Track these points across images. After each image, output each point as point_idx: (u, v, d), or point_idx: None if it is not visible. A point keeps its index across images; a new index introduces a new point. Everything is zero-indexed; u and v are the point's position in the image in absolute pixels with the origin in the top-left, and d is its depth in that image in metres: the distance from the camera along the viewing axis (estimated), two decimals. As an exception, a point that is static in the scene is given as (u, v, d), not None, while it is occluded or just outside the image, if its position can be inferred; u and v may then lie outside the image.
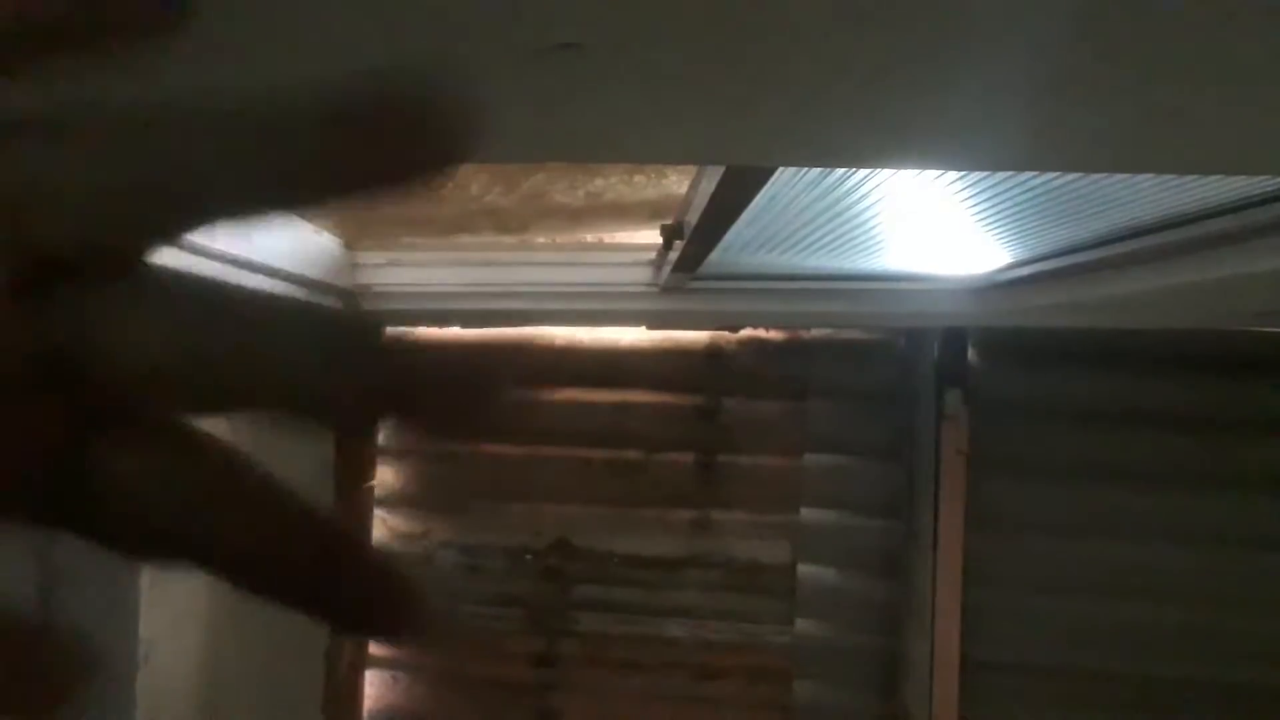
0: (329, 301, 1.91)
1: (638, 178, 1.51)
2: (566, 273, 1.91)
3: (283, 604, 0.20)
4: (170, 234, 0.18)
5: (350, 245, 1.96)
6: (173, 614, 1.81)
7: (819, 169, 1.05)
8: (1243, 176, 0.92)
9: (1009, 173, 1.01)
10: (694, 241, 1.34)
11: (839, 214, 1.27)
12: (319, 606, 0.20)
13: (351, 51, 0.48)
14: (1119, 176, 0.99)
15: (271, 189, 0.18)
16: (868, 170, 1.04)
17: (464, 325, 2.66)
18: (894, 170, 1.03)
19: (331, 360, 0.19)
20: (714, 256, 1.49)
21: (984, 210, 1.20)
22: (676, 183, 1.50)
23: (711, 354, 2.68)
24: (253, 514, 0.19)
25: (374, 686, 2.78)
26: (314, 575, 0.20)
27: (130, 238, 0.18)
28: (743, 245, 1.50)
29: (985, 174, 1.03)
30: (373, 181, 0.18)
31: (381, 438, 2.71)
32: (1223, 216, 1.06)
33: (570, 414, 2.68)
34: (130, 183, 0.18)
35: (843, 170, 1.05)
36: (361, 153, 0.18)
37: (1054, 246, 1.40)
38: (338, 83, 0.18)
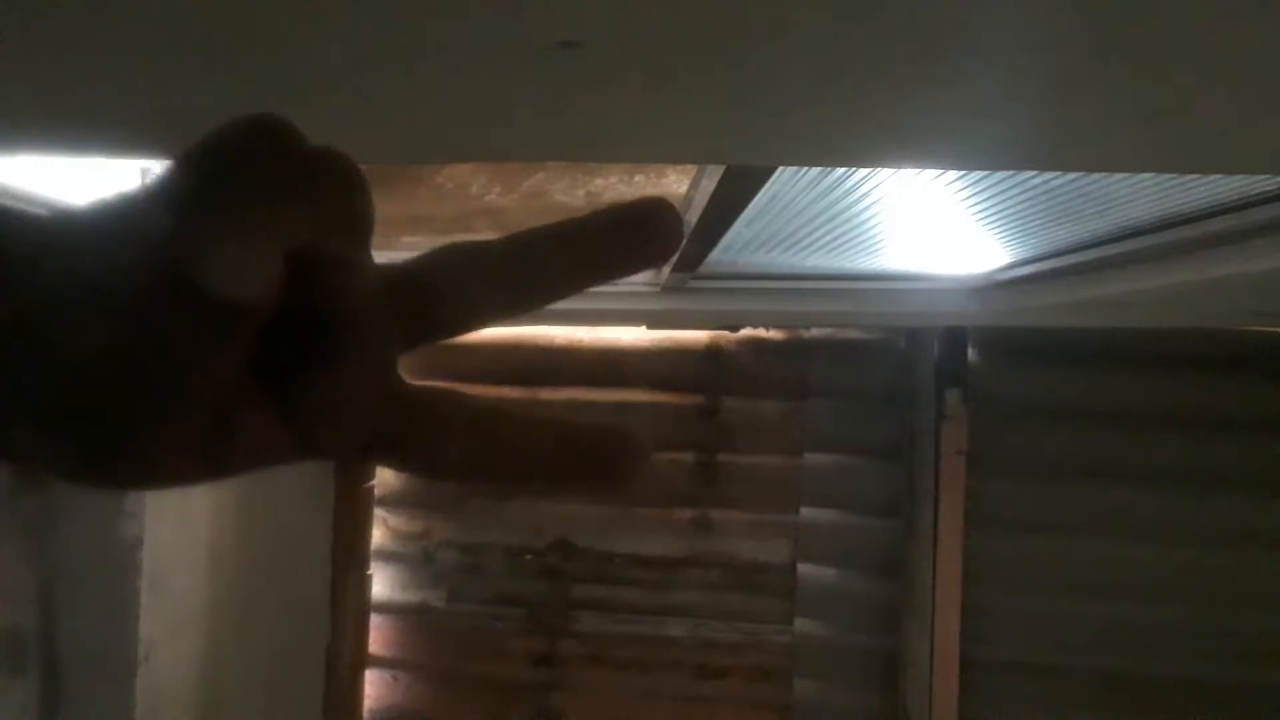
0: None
1: (638, 178, 1.51)
2: (566, 272, 1.90)
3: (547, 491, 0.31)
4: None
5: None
6: (173, 614, 1.81)
7: (819, 169, 1.05)
8: (1243, 176, 0.92)
9: (1009, 173, 1.01)
10: (694, 241, 1.34)
11: (839, 214, 1.27)
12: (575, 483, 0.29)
13: (352, 50, 0.48)
14: (1119, 176, 0.99)
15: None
16: (868, 170, 1.04)
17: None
18: (894, 170, 1.03)
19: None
20: (714, 256, 1.49)
21: (984, 210, 1.21)
22: (676, 183, 1.50)
23: (711, 354, 2.68)
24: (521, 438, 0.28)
25: (374, 686, 2.78)
26: (571, 465, 0.29)
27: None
28: (743, 245, 1.50)
29: (985, 174, 1.03)
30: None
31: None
32: (1223, 216, 1.06)
33: (570, 413, 2.67)
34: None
35: (843, 170, 1.05)
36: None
37: (1054, 246, 1.40)
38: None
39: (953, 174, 1.04)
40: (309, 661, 2.56)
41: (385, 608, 2.78)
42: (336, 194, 0.26)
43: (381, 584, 2.78)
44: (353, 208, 0.26)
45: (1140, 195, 1.07)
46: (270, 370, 0.26)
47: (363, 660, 2.74)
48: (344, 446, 0.27)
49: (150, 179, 0.25)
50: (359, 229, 0.27)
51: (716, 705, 2.68)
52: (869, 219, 1.29)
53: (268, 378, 0.26)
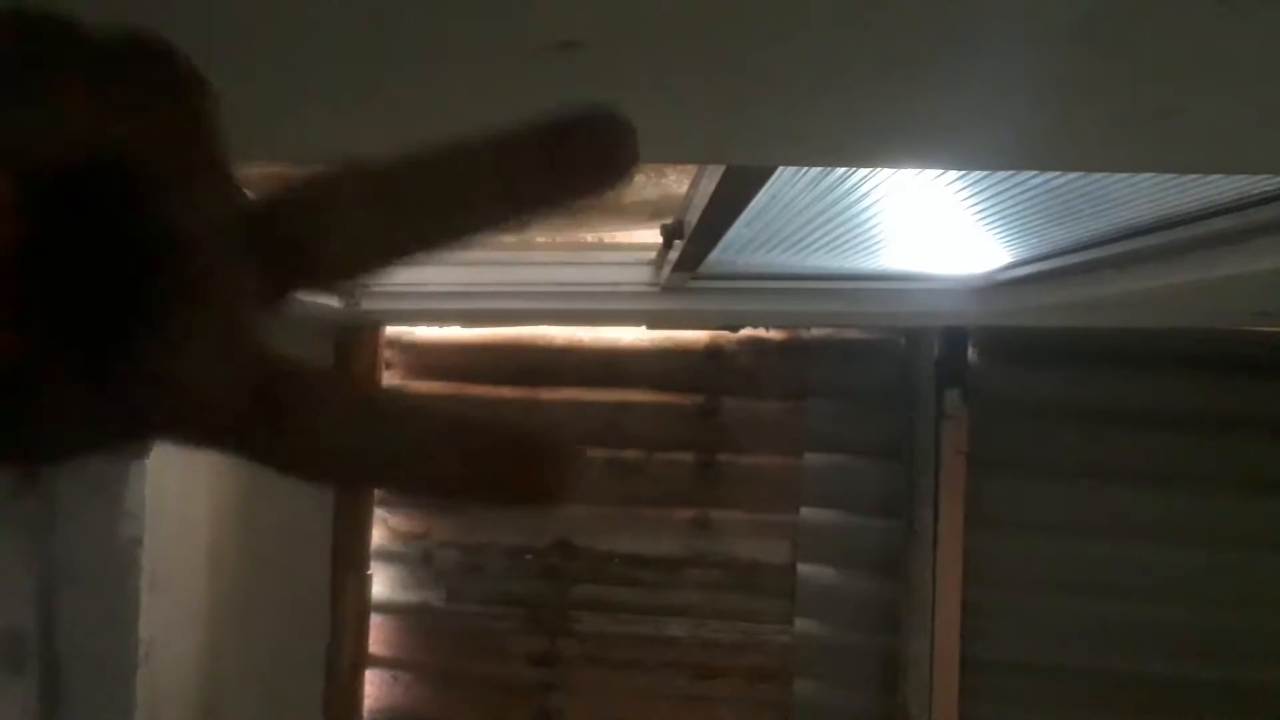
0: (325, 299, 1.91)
1: (638, 177, 1.51)
2: (566, 272, 1.91)
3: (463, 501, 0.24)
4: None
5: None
6: (173, 614, 1.81)
7: (819, 169, 1.05)
8: (1243, 176, 0.92)
9: (1009, 173, 1.01)
10: (694, 241, 1.34)
11: (839, 214, 1.27)
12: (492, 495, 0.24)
13: (352, 51, 0.48)
14: (1119, 176, 0.99)
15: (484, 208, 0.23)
16: (868, 170, 1.05)
17: (464, 325, 2.66)
18: (894, 170, 1.03)
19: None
20: (714, 256, 1.49)
21: (984, 210, 1.21)
22: (676, 182, 1.51)
23: (711, 354, 2.68)
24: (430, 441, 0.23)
25: (374, 686, 2.78)
26: (485, 474, 0.23)
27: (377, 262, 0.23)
28: (743, 245, 1.50)
29: (985, 174, 1.03)
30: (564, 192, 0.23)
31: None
32: (1223, 216, 1.06)
33: (570, 414, 2.67)
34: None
35: (843, 170, 1.05)
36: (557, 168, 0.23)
37: (1054, 246, 1.40)
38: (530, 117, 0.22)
39: (953, 174, 1.05)
40: (309, 661, 2.56)
41: (385, 608, 2.78)
42: (153, 89, 0.19)
43: (381, 584, 2.78)
44: (182, 107, 0.20)
45: (1140, 195, 1.07)
46: (91, 329, 0.20)
47: (363, 660, 2.74)
48: (189, 426, 0.21)
49: None
50: (197, 136, 0.20)
51: (716, 705, 2.68)
52: (869, 219, 1.29)
53: (86, 338, 0.20)
